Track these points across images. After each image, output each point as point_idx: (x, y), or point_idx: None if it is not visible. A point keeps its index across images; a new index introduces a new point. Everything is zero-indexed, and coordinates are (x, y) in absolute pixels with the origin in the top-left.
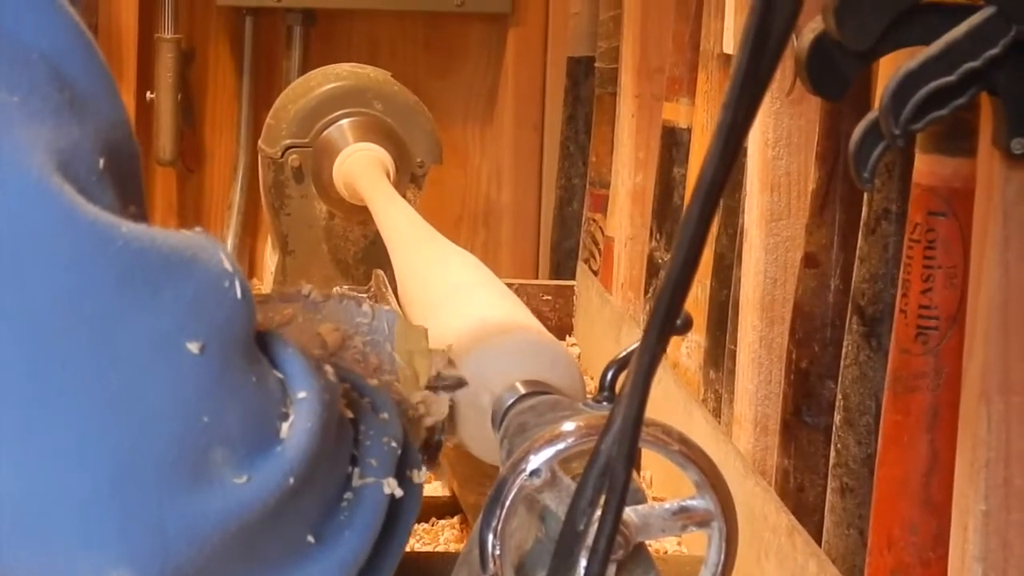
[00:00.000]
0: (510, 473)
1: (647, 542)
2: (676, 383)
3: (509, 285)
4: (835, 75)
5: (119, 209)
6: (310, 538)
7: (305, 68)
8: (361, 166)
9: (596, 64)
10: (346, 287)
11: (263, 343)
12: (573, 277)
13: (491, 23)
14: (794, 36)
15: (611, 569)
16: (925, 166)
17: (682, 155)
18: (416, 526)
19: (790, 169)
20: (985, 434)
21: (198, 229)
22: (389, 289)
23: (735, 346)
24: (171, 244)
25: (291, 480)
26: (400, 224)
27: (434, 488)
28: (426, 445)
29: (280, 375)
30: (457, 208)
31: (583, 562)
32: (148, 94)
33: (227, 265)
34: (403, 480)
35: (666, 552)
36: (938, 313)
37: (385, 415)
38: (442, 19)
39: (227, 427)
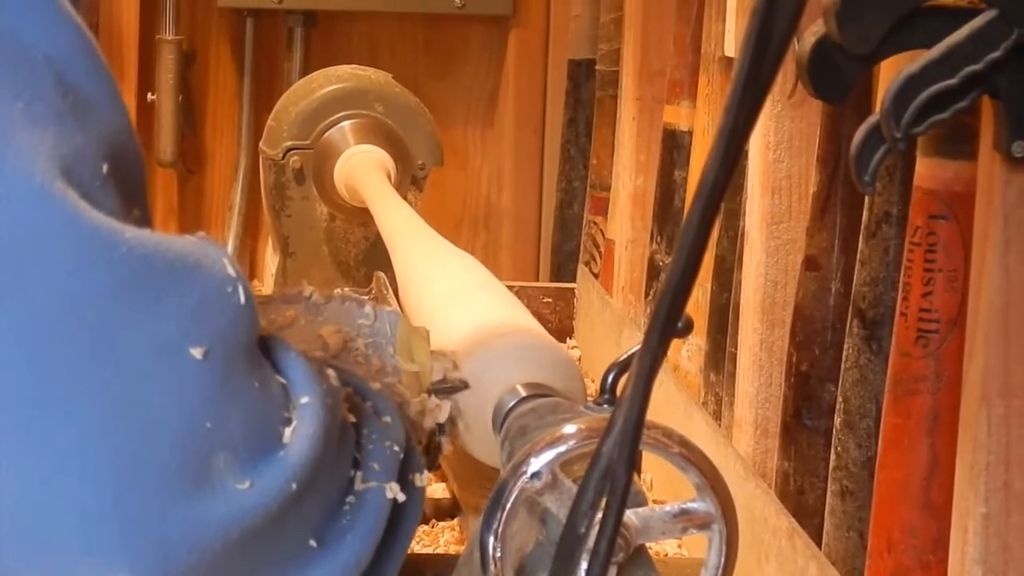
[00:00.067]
0: (511, 475)
1: (648, 544)
2: (677, 386)
3: (510, 287)
4: (836, 78)
5: (123, 214)
6: (312, 542)
7: (306, 70)
8: (362, 168)
9: (597, 67)
10: (347, 289)
11: (266, 347)
12: (574, 280)
13: (492, 25)
14: (795, 39)
15: (612, 571)
16: (926, 169)
17: (683, 158)
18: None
19: (791, 172)
20: (985, 437)
21: (201, 234)
22: (390, 291)
23: (736, 349)
24: (175, 250)
25: (294, 485)
26: (401, 226)
27: (435, 490)
28: (427, 448)
29: (283, 380)
30: (458, 210)
31: (584, 564)
32: (149, 95)
33: (230, 271)
34: (405, 484)
35: (666, 555)
36: (939, 316)
37: (387, 419)
38: (443, 21)
39: (230, 432)
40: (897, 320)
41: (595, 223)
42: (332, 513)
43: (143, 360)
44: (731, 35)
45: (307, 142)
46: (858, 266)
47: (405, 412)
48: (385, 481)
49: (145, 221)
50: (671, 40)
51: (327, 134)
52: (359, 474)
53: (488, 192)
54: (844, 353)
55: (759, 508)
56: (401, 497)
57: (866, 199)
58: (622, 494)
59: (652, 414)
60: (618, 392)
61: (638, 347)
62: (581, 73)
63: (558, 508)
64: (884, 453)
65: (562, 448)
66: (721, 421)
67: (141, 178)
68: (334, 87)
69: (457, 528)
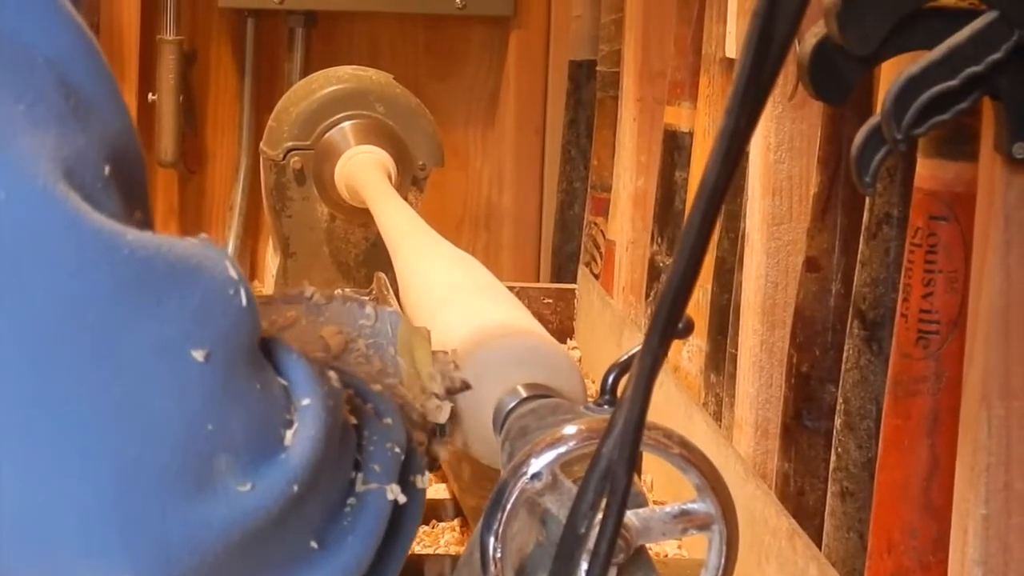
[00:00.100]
0: (511, 476)
1: (648, 545)
2: (677, 387)
3: (510, 288)
4: (837, 80)
5: (125, 215)
6: (313, 544)
7: (307, 70)
8: (363, 168)
9: (598, 68)
10: (348, 289)
11: (267, 349)
12: (574, 281)
13: (493, 26)
14: (796, 41)
15: (612, 572)
16: (927, 170)
17: (684, 159)
18: None
19: (792, 173)
20: (985, 438)
21: (203, 236)
22: (391, 292)
23: (736, 350)
24: (176, 252)
25: (295, 487)
26: (402, 227)
27: (435, 491)
28: (428, 449)
29: (284, 382)
30: (458, 211)
31: (584, 565)
32: (150, 95)
33: (232, 273)
34: (406, 486)
35: (667, 555)
36: (939, 317)
37: (388, 420)
38: (443, 22)
39: (231, 435)
40: (897, 321)
41: (596, 224)
42: (333, 515)
43: (144, 362)
44: (732, 36)
45: (308, 143)
46: (858, 267)
47: (406, 413)
48: (386, 483)
49: (147, 223)
50: (672, 41)
51: (328, 135)
52: (360, 476)
53: (489, 193)
54: (844, 354)
55: (759, 509)
56: (402, 499)
57: (867, 200)
58: (622, 495)
59: (652, 415)
60: (618, 393)
61: (638, 348)
62: (582, 74)
63: (558, 509)
64: (884, 454)
65: (562, 449)
66: (721, 422)
67: (143, 179)
68: (335, 88)
69: (457, 529)
